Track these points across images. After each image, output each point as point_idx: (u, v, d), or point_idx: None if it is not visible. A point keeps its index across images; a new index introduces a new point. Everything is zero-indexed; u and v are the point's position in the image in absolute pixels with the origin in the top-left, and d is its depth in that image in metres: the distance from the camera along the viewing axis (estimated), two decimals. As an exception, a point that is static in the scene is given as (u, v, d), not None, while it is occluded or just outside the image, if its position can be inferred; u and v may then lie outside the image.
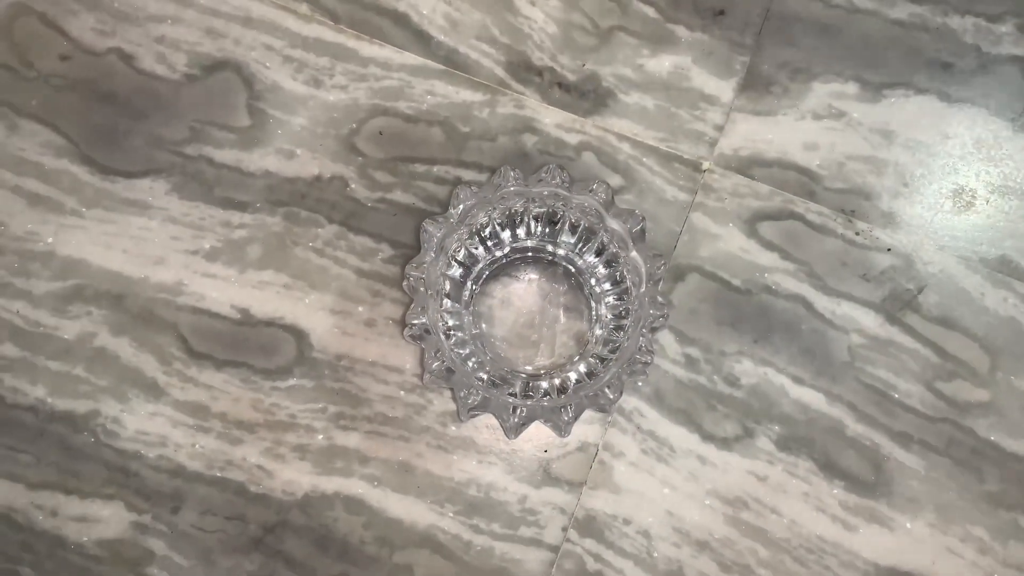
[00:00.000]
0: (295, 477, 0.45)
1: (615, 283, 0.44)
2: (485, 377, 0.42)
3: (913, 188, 0.48)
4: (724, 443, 0.46)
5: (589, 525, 0.45)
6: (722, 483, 0.46)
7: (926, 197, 0.48)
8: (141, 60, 0.48)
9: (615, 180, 0.47)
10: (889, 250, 0.48)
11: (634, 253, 0.42)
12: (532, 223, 0.45)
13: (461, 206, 0.43)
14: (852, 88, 0.49)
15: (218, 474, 0.45)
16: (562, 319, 0.46)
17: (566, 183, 0.43)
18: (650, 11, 0.49)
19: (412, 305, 0.42)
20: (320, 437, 0.45)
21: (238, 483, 0.45)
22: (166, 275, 0.46)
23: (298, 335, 0.46)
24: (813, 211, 0.48)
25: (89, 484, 0.45)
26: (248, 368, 0.46)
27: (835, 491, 0.46)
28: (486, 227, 0.45)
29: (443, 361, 0.40)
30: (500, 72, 0.48)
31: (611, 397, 0.40)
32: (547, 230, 0.45)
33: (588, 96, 0.48)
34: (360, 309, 0.46)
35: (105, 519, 0.45)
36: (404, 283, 0.43)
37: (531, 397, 0.42)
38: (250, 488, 0.45)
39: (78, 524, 0.45)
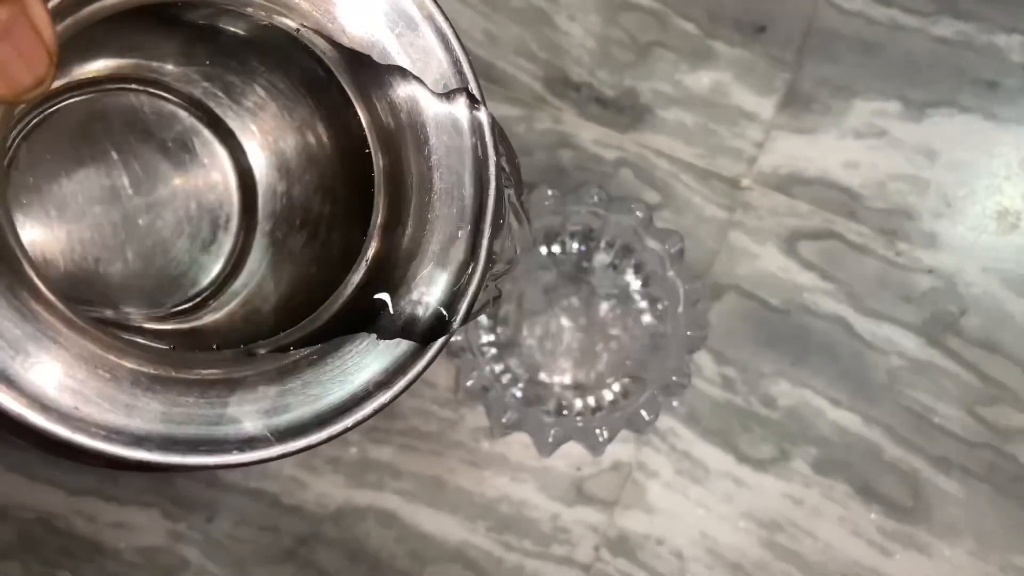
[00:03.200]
0: (328, 490, 0.45)
1: (652, 302, 0.44)
2: (519, 394, 0.42)
3: (956, 208, 0.48)
4: (760, 465, 0.45)
5: (622, 545, 0.45)
6: (757, 505, 0.45)
7: (969, 218, 0.48)
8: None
9: (652, 197, 0.47)
10: (931, 271, 0.47)
11: (671, 273, 0.42)
12: (568, 240, 0.45)
13: (498, 224, 0.43)
14: (894, 106, 0.48)
15: (252, 484, 0.45)
16: (597, 336, 0.46)
17: (604, 202, 0.43)
18: (690, 27, 0.49)
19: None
20: (353, 450, 0.46)
21: (272, 494, 0.45)
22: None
23: (333, 348, 0.46)
24: (853, 231, 0.47)
25: (127, 491, 0.45)
26: (284, 380, 0.46)
27: (872, 516, 0.45)
28: (522, 244, 0.45)
29: (478, 379, 0.40)
30: (538, 87, 0.48)
31: (647, 419, 0.40)
32: (583, 248, 0.45)
33: (626, 112, 0.48)
34: (395, 323, 0.46)
35: (142, 527, 0.45)
36: (440, 300, 0.43)
37: (565, 416, 0.42)
38: (283, 499, 0.45)
39: (115, 531, 0.45)
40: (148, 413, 0.24)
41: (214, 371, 0.25)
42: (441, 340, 0.27)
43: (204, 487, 0.45)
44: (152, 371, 0.25)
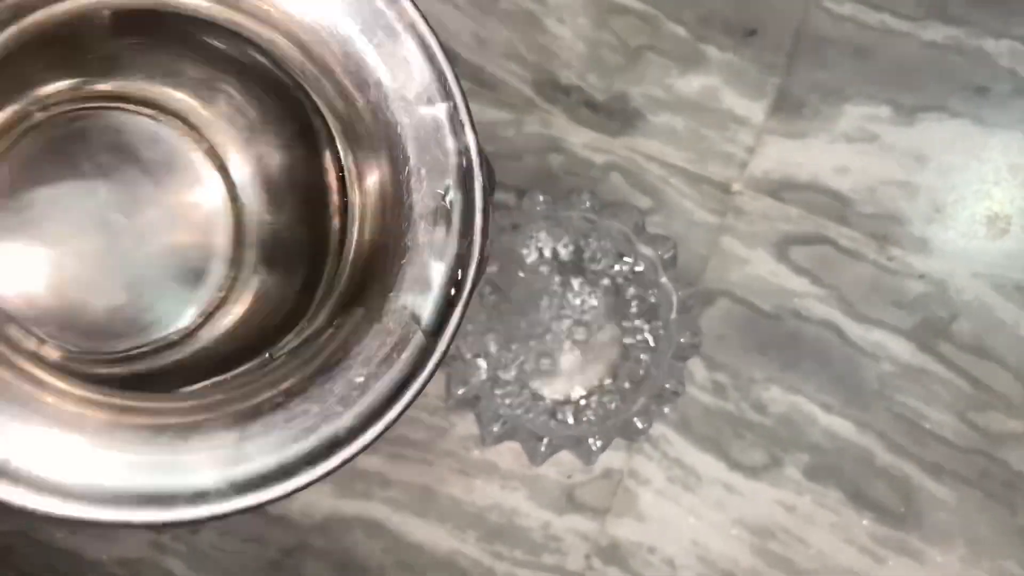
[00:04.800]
0: (314, 499, 0.45)
1: (645, 309, 0.44)
2: (510, 402, 0.42)
3: (946, 214, 0.47)
4: (751, 472, 0.45)
5: (613, 553, 0.44)
6: (749, 512, 0.45)
7: (960, 223, 0.47)
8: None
9: (643, 202, 0.47)
10: (922, 276, 0.47)
11: (664, 279, 0.42)
12: (559, 246, 0.44)
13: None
14: (885, 111, 0.48)
15: (238, 494, 0.45)
16: (590, 343, 0.45)
17: (596, 208, 0.42)
18: (680, 30, 0.49)
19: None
20: (341, 459, 0.45)
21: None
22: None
23: (320, 355, 0.46)
24: (845, 236, 0.47)
25: (108, 503, 0.45)
26: (270, 388, 0.45)
27: (864, 522, 0.45)
28: (513, 250, 0.44)
29: (469, 387, 0.40)
30: (527, 91, 0.48)
31: (640, 427, 0.39)
32: (575, 253, 0.45)
33: (616, 116, 0.48)
34: (383, 329, 0.46)
35: (124, 538, 0.44)
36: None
37: (557, 425, 0.42)
38: (269, 509, 0.44)
39: (97, 542, 0.44)
40: (88, 464, 0.21)
41: (166, 416, 0.23)
42: (414, 389, 0.26)
43: (188, 497, 0.45)
44: (93, 415, 0.22)
